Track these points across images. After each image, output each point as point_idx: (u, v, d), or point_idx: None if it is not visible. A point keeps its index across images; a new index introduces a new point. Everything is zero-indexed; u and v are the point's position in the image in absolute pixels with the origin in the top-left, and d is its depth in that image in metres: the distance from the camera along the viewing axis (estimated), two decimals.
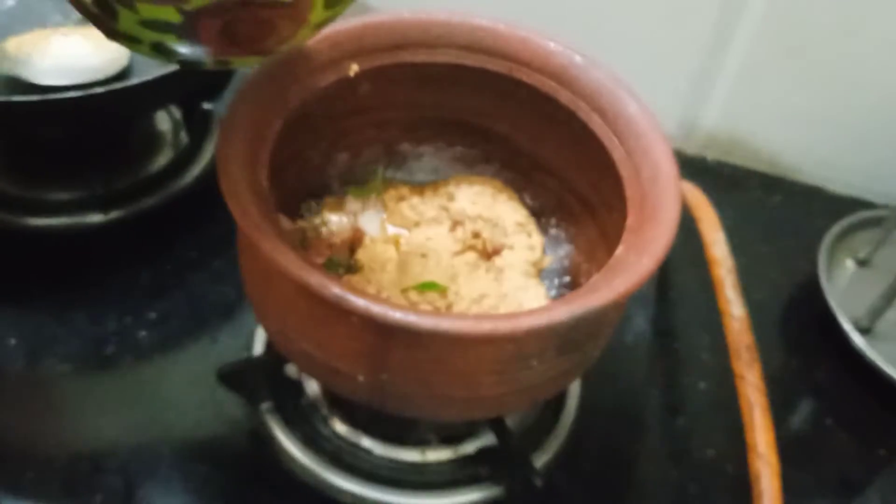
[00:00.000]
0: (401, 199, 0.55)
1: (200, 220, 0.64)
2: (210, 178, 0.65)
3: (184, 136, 0.69)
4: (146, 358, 0.55)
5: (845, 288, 0.70)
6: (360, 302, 0.38)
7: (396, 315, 0.38)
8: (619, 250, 0.43)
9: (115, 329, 0.56)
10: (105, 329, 0.56)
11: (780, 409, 0.57)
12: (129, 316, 0.57)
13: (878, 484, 0.54)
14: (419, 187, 0.56)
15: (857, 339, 0.64)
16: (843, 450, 0.60)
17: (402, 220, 0.53)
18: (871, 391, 0.63)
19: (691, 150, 0.83)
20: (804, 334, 0.68)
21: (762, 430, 0.52)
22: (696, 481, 0.56)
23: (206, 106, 0.69)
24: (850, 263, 0.72)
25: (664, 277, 0.69)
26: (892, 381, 0.62)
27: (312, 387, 0.53)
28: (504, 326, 0.38)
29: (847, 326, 0.65)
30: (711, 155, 0.83)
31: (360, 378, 0.42)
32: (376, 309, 0.38)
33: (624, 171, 0.47)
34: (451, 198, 0.55)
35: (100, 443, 0.50)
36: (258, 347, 0.55)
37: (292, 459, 0.50)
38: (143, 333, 0.56)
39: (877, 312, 0.65)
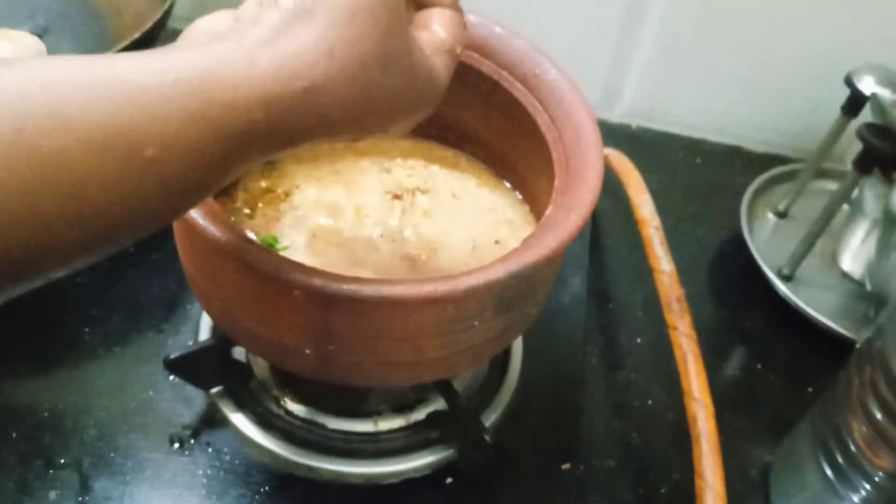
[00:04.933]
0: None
1: None
2: None
3: None
4: (92, 354, 0.55)
5: (767, 239, 0.73)
6: (300, 275, 0.39)
7: (338, 285, 0.39)
8: (549, 210, 0.45)
9: (57, 329, 0.56)
10: (47, 330, 0.56)
11: (712, 358, 0.60)
12: (70, 315, 0.57)
13: (808, 419, 0.57)
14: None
15: (781, 287, 0.68)
16: (774, 391, 0.64)
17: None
18: (797, 334, 0.67)
19: (615, 118, 0.86)
20: (731, 285, 0.71)
21: (696, 376, 0.55)
22: (639, 430, 0.58)
23: None
24: (770, 216, 0.76)
25: (596, 241, 0.72)
26: (816, 324, 0.65)
27: (261, 368, 0.54)
28: (443, 287, 0.39)
29: (770, 275, 0.68)
30: (635, 122, 0.86)
31: (308, 351, 0.43)
32: (317, 281, 0.39)
33: (549, 134, 0.49)
34: (387, 170, 0.56)
35: (51, 441, 0.50)
36: (204, 334, 0.56)
37: (247, 440, 0.51)
38: (86, 330, 0.56)
39: (797, 260, 0.68)
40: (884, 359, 0.46)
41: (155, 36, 0.63)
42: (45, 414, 0.51)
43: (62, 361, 0.54)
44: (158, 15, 0.62)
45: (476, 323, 0.43)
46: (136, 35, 0.60)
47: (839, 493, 0.50)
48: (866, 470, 0.48)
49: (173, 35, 0.65)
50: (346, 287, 0.39)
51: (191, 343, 0.56)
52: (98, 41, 0.70)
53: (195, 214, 0.40)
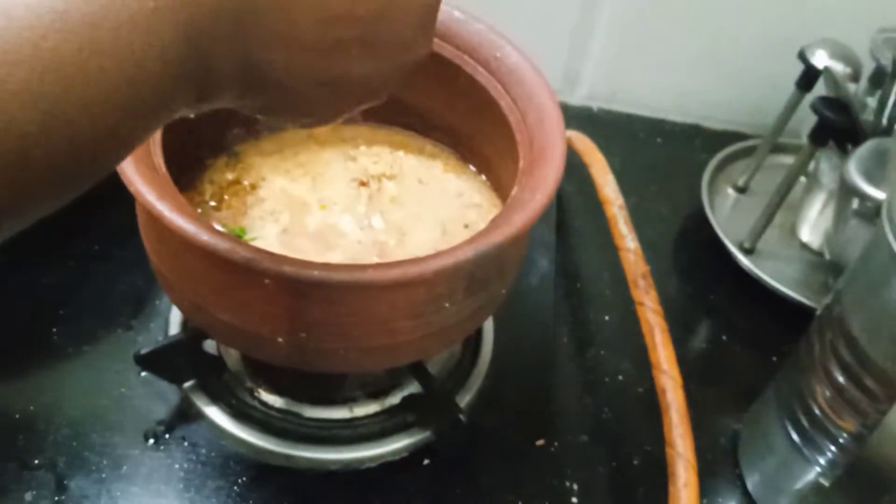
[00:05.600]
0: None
1: (97, 212, 0.63)
2: None
3: None
4: (62, 354, 0.54)
5: (728, 214, 0.75)
6: (270, 263, 0.39)
7: (308, 272, 0.39)
8: (515, 191, 0.46)
9: (24, 330, 0.56)
10: (15, 332, 0.55)
11: (679, 331, 0.62)
12: (37, 315, 0.56)
13: (773, 387, 0.58)
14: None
15: (743, 260, 0.69)
16: (740, 361, 0.65)
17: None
18: (760, 305, 0.68)
19: (576, 101, 0.87)
20: (695, 260, 0.73)
21: (663, 349, 0.56)
22: (610, 405, 0.59)
23: None
24: (730, 192, 0.78)
25: (562, 222, 0.73)
26: (777, 294, 0.67)
27: (233, 360, 0.54)
28: (413, 270, 0.40)
29: (732, 249, 0.70)
30: (596, 105, 0.87)
31: (281, 340, 0.43)
32: (288, 268, 0.39)
33: (511, 117, 0.50)
34: (353, 158, 0.56)
35: (24, 442, 0.50)
36: (174, 329, 0.56)
37: (223, 432, 0.51)
38: (54, 331, 0.56)
39: (757, 233, 0.70)
40: (843, 323, 0.47)
41: None
42: (17, 416, 0.51)
43: (32, 363, 0.54)
44: None
45: (447, 304, 0.43)
46: None
47: (806, 456, 0.51)
48: (831, 432, 0.49)
49: None
50: (317, 273, 0.39)
51: (161, 339, 0.55)
52: None
53: (161, 207, 0.40)
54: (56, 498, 0.47)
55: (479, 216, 0.55)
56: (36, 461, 0.49)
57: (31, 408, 0.51)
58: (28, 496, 0.47)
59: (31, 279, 0.59)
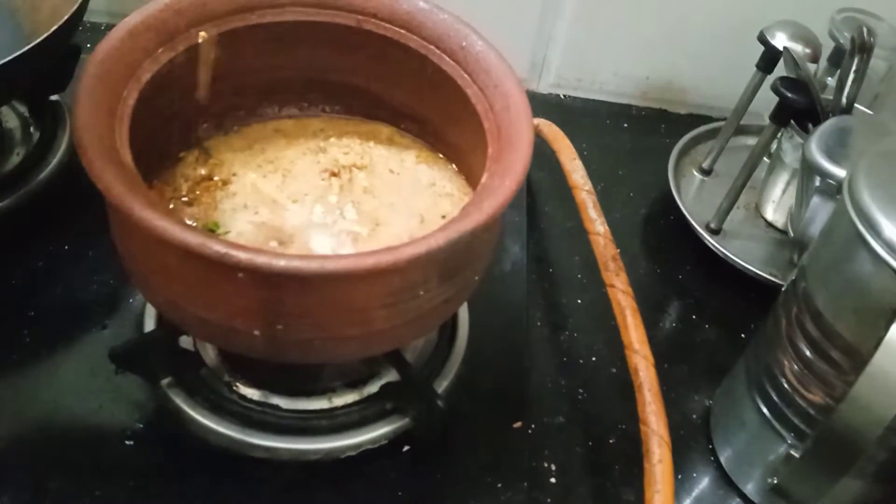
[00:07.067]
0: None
1: (67, 213, 0.62)
2: (71, 170, 0.64)
3: (34, 132, 0.67)
4: (35, 355, 0.54)
5: (694, 196, 0.76)
6: (243, 255, 0.39)
7: (282, 263, 0.39)
8: (484, 178, 0.46)
9: None
10: None
11: (650, 312, 0.63)
12: (6, 317, 0.56)
13: (742, 362, 0.60)
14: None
15: (710, 240, 0.70)
16: (709, 339, 0.67)
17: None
18: (727, 284, 0.70)
19: (544, 89, 0.88)
20: (663, 242, 0.74)
21: (635, 329, 0.57)
22: (585, 386, 0.60)
23: (53, 98, 0.67)
24: (695, 174, 0.79)
25: (533, 209, 0.73)
26: (744, 273, 0.68)
27: (210, 355, 0.54)
28: (387, 258, 0.40)
29: (699, 230, 0.71)
30: (562, 92, 0.88)
31: (257, 333, 0.43)
32: (261, 260, 0.39)
33: (479, 105, 0.50)
34: (322, 150, 0.56)
35: None
36: (150, 326, 0.55)
37: (202, 428, 0.51)
38: (25, 332, 0.55)
39: (723, 214, 0.71)
40: (808, 297, 0.48)
41: (72, 31, 0.62)
42: None
43: (3, 365, 0.53)
44: (73, 8, 0.60)
45: (422, 292, 0.44)
46: (53, 29, 0.58)
47: (776, 429, 0.52)
48: (800, 405, 0.50)
49: (91, 29, 0.64)
50: (291, 264, 0.39)
51: (137, 335, 0.55)
52: (13, 37, 0.67)
53: (131, 203, 0.39)
54: (35, 500, 0.47)
55: (453, 205, 0.55)
56: (12, 463, 0.48)
57: (5, 410, 0.51)
58: (5, 499, 0.47)
59: (0, 280, 0.58)
